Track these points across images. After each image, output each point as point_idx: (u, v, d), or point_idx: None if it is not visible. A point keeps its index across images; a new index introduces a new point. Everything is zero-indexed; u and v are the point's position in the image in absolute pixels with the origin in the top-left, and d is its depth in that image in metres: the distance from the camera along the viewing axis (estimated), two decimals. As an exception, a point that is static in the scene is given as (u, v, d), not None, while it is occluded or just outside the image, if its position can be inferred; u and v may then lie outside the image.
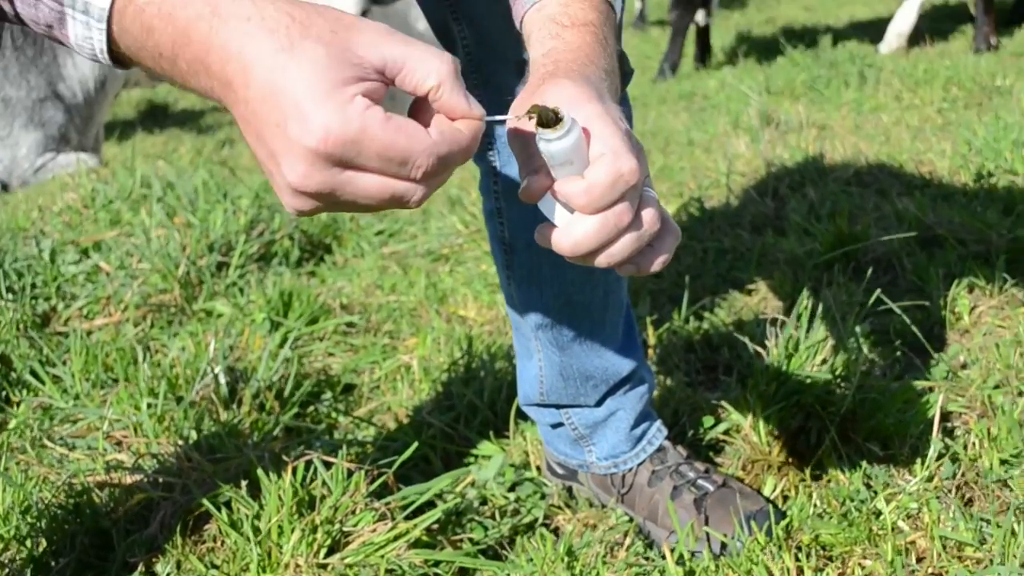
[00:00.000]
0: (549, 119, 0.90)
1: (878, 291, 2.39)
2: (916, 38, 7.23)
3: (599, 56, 1.08)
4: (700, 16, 7.68)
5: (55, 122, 5.26)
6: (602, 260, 0.96)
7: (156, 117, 8.38)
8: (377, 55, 0.85)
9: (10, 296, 2.79)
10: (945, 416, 2.05)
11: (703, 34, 7.85)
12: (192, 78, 0.86)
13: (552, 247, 0.96)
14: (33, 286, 2.89)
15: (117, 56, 0.88)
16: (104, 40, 0.86)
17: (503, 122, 0.95)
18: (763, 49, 7.82)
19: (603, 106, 0.97)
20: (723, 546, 1.71)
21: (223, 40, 0.83)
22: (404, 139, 0.83)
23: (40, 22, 0.87)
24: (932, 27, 7.66)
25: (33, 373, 2.41)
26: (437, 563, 1.68)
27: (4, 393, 2.38)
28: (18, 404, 2.33)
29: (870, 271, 2.69)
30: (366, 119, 0.82)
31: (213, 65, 0.84)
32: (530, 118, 0.90)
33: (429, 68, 0.86)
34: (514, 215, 1.70)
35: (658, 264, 1.00)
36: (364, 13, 5.50)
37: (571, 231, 0.94)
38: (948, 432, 2.01)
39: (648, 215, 0.96)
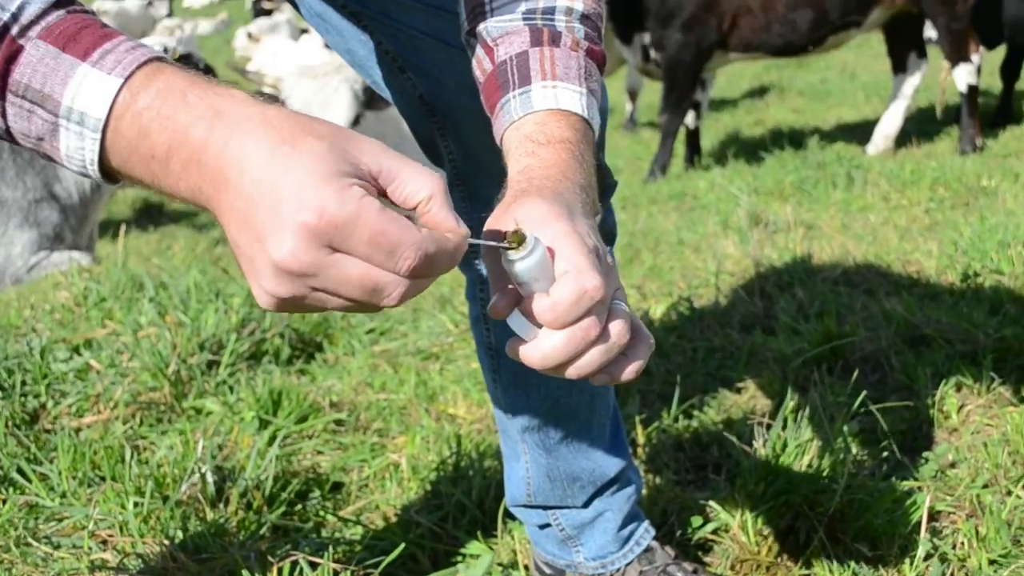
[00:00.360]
0: (511, 241, 0.92)
1: (863, 393, 2.40)
2: (903, 140, 7.34)
3: (574, 172, 1.10)
4: (690, 119, 7.80)
5: (50, 222, 5.29)
6: (572, 372, 0.98)
7: (151, 215, 8.43)
8: (374, 162, 0.88)
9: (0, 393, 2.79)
10: (933, 516, 2.05)
11: (693, 136, 7.96)
12: (183, 179, 0.87)
13: (522, 360, 0.99)
14: (23, 383, 2.88)
15: (105, 168, 0.90)
16: (96, 151, 0.88)
17: (481, 245, 0.98)
18: (752, 150, 7.92)
19: (571, 224, 0.99)
20: (712, 648, 1.70)
21: (223, 136, 0.85)
22: (396, 229, 0.84)
23: (31, 135, 0.89)
24: (918, 129, 7.77)
25: (20, 471, 2.40)
26: (423, 665, 1.67)
27: (-10, 491, 2.37)
28: (3, 502, 2.31)
29: (858, 371, 2.70)
30: (362, 205, 0.83)
31: (208, 162, 0.85)
32: (504, 241, 0.93)
33: (421, 182, 0.89)
34: (500, 321, 1.72)
35: (630, 373, 1.02)
36: (358, 118, 5.59)
37: (539, 346, 0.97)
38: (936, 532, 2.00)
39: (616, 328, 0.98)
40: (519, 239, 0.93)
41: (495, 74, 1.22)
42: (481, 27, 1.26)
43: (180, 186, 0.88)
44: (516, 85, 1.18)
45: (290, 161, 0.83)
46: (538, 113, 1.16)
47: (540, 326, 0.97)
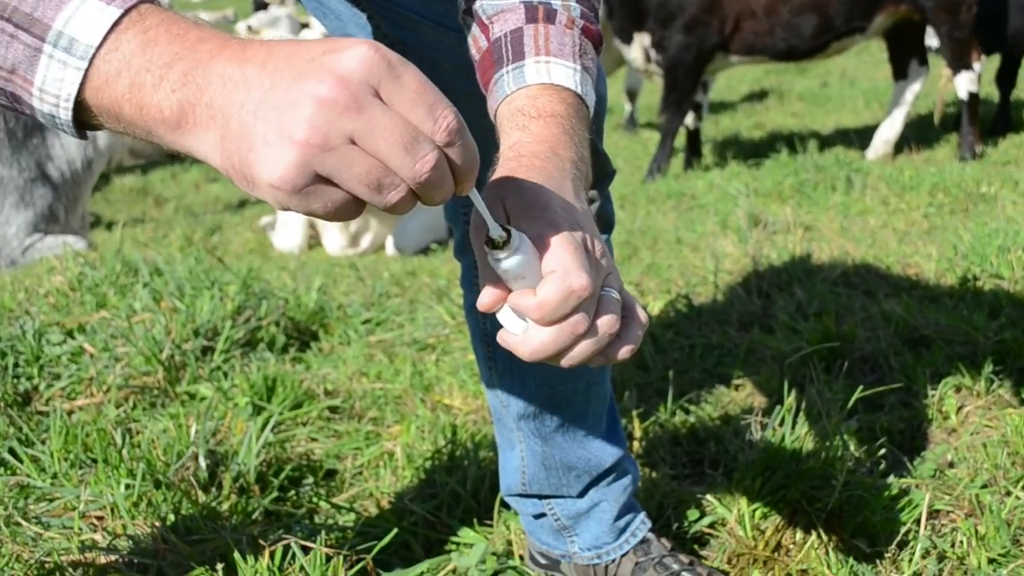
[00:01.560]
0: (496, 238, 0.91)
1: (860, 387, 2.38)
2: (902, 146, 7.34)
3: (565, 147, 1.08)
4: (690, 119, 7.78)
5: (44, 201, 5.30)
6: (564, 363, 0.97)
7: (147, 206, 8.41)
8: None
9: (-8, 375, 2.77)
10: (932, 514, 2.04)
11: (693, 137, 7.94)
12: (178, 89, 0.81)
13: (511, 351, 0.97)
14: (16, 365, 2.86)
15: (80, 105, 0.85)
16: (77, 84, 0.83)
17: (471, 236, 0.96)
18: (751, 152, 7.92)
19: (559, 215, 0.97)
20: (707, 641, 1.68)
21: (242, 42, 0.82)
22: (438, 90, 0.83)
23: (4, 65, 0.84)
24: (918, 135, 7.77)
25: (11, 451, 2.38)
26: (415, 652, 1.65)
27: (-20, 471, 2.35)
28: (-6, 482, 2.30)
29: (856, 370, 2.68)
30: (408, 61, 0.82)
31: (218, 63, 0.81)
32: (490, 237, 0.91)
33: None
34: (494, 310, 1.70)
35: (624, 352, 1.00)
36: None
37: (528, 340, 0.96)
38: (935, 530, 1.99)
39: (605, 320, 0.96)
40: (504, 237, 0.91)
41: (490, 51, 1.21)
42: (477, 5, 1.25)
43: (171, 98, 0.82)
44: (510, 60, 1.17)
45: (331, 38, 0.81)
46: (530, 87, 1.14)
47: (527, 321, 0.96)
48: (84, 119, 0.86)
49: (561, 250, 0.94)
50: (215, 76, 0.80)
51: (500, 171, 1.04)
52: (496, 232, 0.91)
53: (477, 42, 1.25)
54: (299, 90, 0.78)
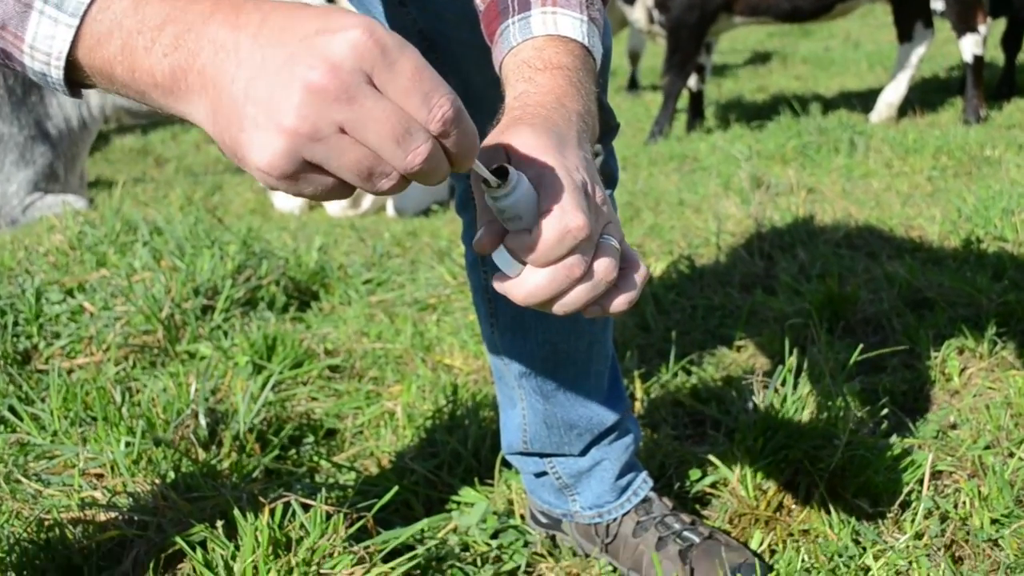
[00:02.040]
0: (495, 175, 0.89)
1: (861, 346, 2.37)
2: (905, 109, 7.30)
3: (572, 99, 1.06)
4: (693, 81, 7.74)
5: (44, 159, 5.30)
6: (558, 309, 0.96)
7: (147, 166, 8.39)
8: None
9: (-9, 333, 2.76)
10: (935, 475, 2.03)
11: (696, 99, 7.90)
12: (170, 54, 0.79)
13: (505, 294, 0.96)
14: (15, 323, 2.85)
15: (69, 64, 0.83)
16: (68, 42, 0.81)
17: (472, 177, 0.93)
18: (754, 115, 7.88)
19: (560, 158, 0.95)
20: (708, 599, 1.68)
21: (236, 3, 0.79)
22: (435, 74, 0.80)
23: None
24: (922, 99, 7.73)
25: (11, 409, 2.37)
26: (415, 609, 1.65)
27: (-20, 429, 2.34)
28: (-7, 440, 2.29)
29: (859, 331, 2.67)
30: (407, 43, 0.79)
31: (211, 27, 0.78)
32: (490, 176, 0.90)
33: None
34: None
35: (622, 302, 0.98)
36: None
37: (523, 282, 0.94)
38: (938, 491, 1.98)
39: (602, 265, 0.95)
40: (501, 174, 0.89)
41: (495, 1, 1.18)
42: None
43: (163, 63, 0.80)
44: (516, 11, 1.15)
45: (326, 10, 0.78)
46: (537, 39, 1.12)
47: (525, 263, 0.94)
48: (77, 78, 0.84)
49: (559, 191, 0.92)
50: (207, 42, 0.78)
51: (505, 120, 1.02)
52: (493, 181, 0.89)
53: None
54: (290, 73, 0.76)
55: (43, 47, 0.81)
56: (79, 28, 0.80)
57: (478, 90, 1.49)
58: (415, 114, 0.79)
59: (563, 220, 0.91)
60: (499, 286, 0.96)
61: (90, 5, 0.80)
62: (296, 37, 0.76)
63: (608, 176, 1.65)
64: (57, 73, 0.82)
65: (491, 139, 0.99)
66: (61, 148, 5.43)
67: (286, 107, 0.76)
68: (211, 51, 0.78)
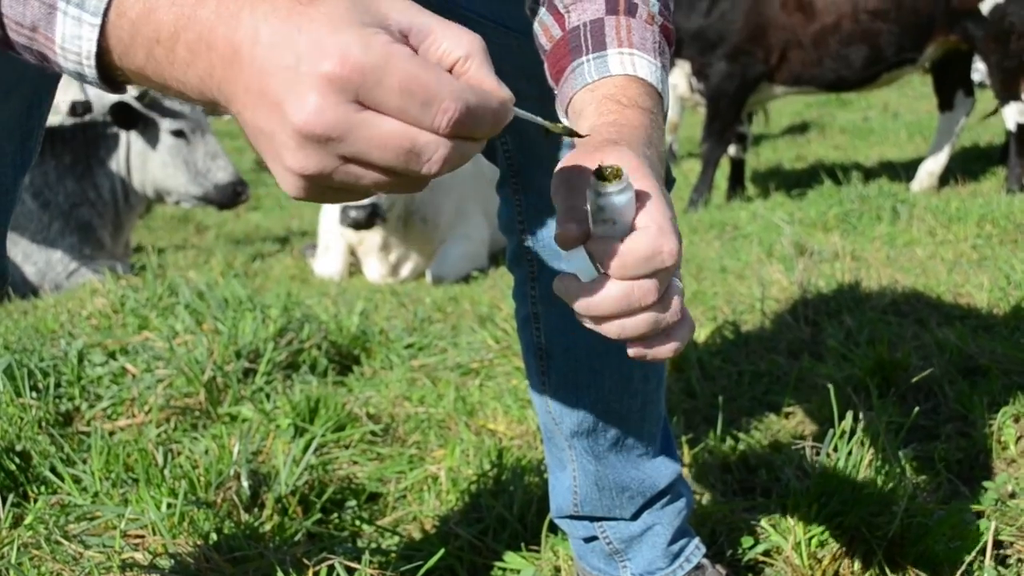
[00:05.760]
0: (608, 173, 0.88)
1: (917, 409, 2.32)
2: (947, 178, 7.26)
3: (655, 141, 1.06)
4: (733, 150, 7.74)
5: (90, 227, 5.36)
6: (613, 329, 0.93)
7: (188, 233, 8.46)
8: (404, 17, 0.80)
9: (34, 395, 2.75)
10: (996, 544, 1.97)
11: (737, 168, 7.89)
12: (191, 66, 0.78)
13: (567, 299, 0.93)
14: (58, 385, 2.85)
15: (103, 64, 0.82)
16: (94, 41, 0.80)
17: (528, 113, 0.91)
18: (794, 183, 7.86)
19: (659, 185, 0.95)
20: (765, 671, 1.62)
21: (233, 11, 0.77)
22: (430, 76, 0.76)
23: (25, 23, 0.81)
24: (963, 168, 7.69)
25: (53, 470, 2.35)
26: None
27: (22, 489, 2.32)
28: (35, 500, 2.27)
29: (911, 398, 2.62)
30: (390, 50, 0.75)
31: (218, 41, 0.77)
32: (598, 172, 0.87)
33: (458, 39, 0.82)
34: (552, 320, 1.66)
35: (669, 350, 0.96)
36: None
37: (594, 289, 0.91)
38: (1000, 560, 1.92)
39: (673, 303, 0.93)
40: (615, 173, 0.87)
41: (566, 39, 1.17)
42: None
43: (189, 75, 0.79)
44: (590, 50, 1.14)
45: (306, 19, 0.75)
46: (616, 77, 1.11)
47: (600, 272, 0.92)
48: (114, 77, 0.84)
49: (659, 211, 0.91)
50: (218, 65, 0.77)
51: (598, 141, 1.00)
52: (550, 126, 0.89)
53: (549, 31, 1.22)
54: (281, 122, 0.76)
55: (72, 47, 0.81)
56: (103, 30, 0.80)
57: (534, 143, 1.50)
58: (419, 124, 0.76)
59: (659, 239, 0.89)
60: (562, 288, 0.94)
61: (107, 10, 0.79)
62: (280, 83, 0.75)
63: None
64: (91, 72, 0.82)
65: (580, 152, 0.97)
66: (107, 217, 5.50)
67: (289, 147, 0.76)
68: (221, 66, 0.78)
